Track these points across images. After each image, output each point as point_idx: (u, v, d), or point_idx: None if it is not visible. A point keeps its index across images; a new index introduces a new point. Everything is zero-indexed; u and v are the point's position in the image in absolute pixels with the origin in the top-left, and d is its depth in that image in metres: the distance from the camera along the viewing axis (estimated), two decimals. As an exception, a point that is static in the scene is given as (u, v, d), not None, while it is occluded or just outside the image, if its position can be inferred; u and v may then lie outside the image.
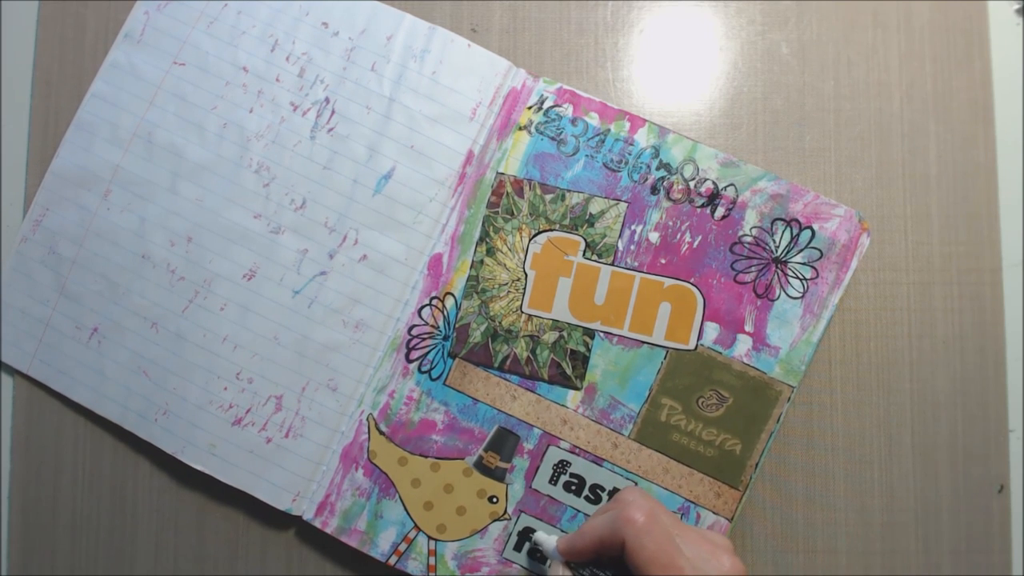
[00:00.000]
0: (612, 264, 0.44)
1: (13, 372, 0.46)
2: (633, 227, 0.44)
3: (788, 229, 0.44)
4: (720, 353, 0.43)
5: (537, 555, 0.43)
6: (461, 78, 0.45)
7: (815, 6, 0.48)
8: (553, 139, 0.45)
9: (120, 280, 0.45)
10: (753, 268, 0.44)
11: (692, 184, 0.44)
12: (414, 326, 0.44)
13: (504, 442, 0.44)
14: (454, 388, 0.44)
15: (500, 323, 0.44)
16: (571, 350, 0.44)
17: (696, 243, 0.44)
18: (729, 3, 0.48)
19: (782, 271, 0.44)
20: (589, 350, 0.44)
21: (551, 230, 0.45)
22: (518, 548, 0.44)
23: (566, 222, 0.44)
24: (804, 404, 0.46)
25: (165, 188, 0.46)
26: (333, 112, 0.46)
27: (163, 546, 0.46)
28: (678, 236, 0.44)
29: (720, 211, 0.44)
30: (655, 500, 0.38)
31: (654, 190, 0.44)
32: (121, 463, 0.46)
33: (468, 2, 0.48)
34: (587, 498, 0.43)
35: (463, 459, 0.44)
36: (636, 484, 0.43)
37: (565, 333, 0.44)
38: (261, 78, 0.46)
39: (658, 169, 0.44)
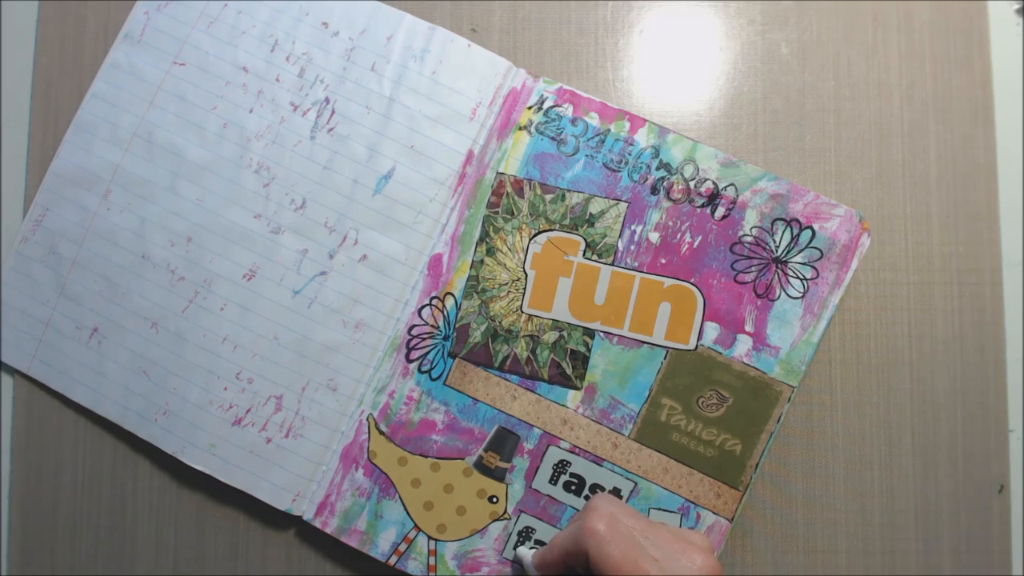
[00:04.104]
0: (612, 264, 0.44)
1: (13, 372, 0.46)
2: (633, 227, 0.44)
3: (788, 229, 0.44)
4: (720, 353, 0.43)
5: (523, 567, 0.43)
6: (461, 78, 0.45)
7: (815, 6, 0.48)
8: (553, 139, 0.45)
9: (120, 280, 0.45)
10: (753, 268, 0.44)
11: (692, 184, 0.44)
12: (414, 326, 0.44)
13: (504, 442, 0.44)
14: (454, 388, 0.44)
15: (500, 323, 0.44)
16: (571, 350, 0.44)
17: (696, 243, 0.44)
18: (729, 3, 0.48)
19: (782, 271, 0.44)
20: (589, 350, 0.44)
21: (551, 230, 0.45)
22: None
23: (566, 222, 0.44)
24: (804, 404, 0.46)
25: (165, 188, 0.46)
26: (333, 112, 0.46)
27: (163, 546, 0.46)
28: (678, 236, 0.44)
29: (720, 211, 0.44)
30: (620, 504, 0.37)
31: (654, 190, 0.44)
32: (121, 463, 0.46)
33: (468, 2, 0.48)
34: (587, 498, 0.43)
35: (463, 459, 0.44)
36: (636, 484, 0.43)
37: (565, 333, 0.44)
38: (261, 78, 0.46)
39: (658, 169, 0.44)
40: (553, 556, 0.38)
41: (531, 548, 0.43)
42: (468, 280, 0.44)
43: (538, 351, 0.44)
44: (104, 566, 0.46)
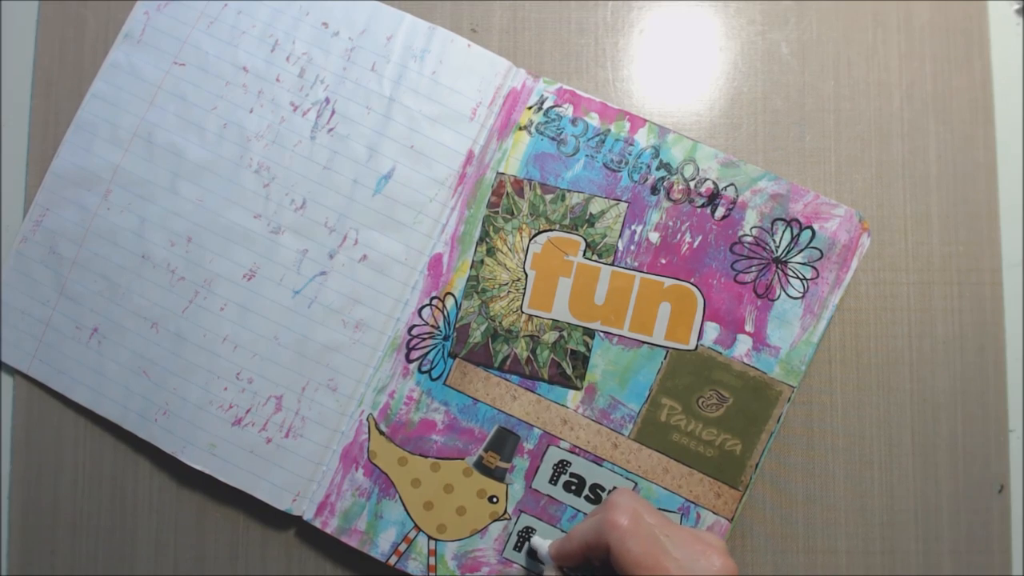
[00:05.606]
0: (612, 264, 0.44)
1: (13, 372, 0.46)
2: (633, 227, 0.44)
3: (788, 229, 0.44)
4: (720, 353, 0.43)
5: (537, 556, 0.43)
6: (461, 78, 0.45)
7: (815, 6, 0.48)
8: (553, 139, 0.45)
9: (120, 280, 0.45)
10: (753, 268, 0.44)
11: (692, 184, 0.44)
12: (414, 326, 0.44)
13: (504, 442, 0.44)
14: (454, 388, 0.44)
15: (500, 323, 0.44)
16: (571, 350, 0.44)
17: (696, 243, 0.44)
18: (729, 3, 0.48)
19: (782, 271, 0.44)
20: (589, 350, 0.44)
21: (551, 230, 0.45)
22: (518, 548, 0.44)
23: (566, 222, 0.44)
24: (804, 404, 0.46)
25: (165, 188, 0.46)
26: (333, 112, 0.46)
27: (163, 546, 0.46)
28: (678, 236, 0.44)
29: (720, 211, 0.44)
30: (642, 501, 0.37)
31: (654, 190, 0.44)
32: (121, 463, 0.46)
33: (468, 2, 0.48)
34: (587, 498, 0.43)
35: (463, 459, 0.44)
36: (636, 484, 0.43)
37: (565, 333, 0.44)
38: (261, 78, 0.46)
39: (658, 169, 0.44)
40: (572, 547, 0.38)
41: (545, 538, 0.43)
42: (468, 280, 0.44)
43: (538, 351, 0.44)
44: (104, 566, 0.46)
